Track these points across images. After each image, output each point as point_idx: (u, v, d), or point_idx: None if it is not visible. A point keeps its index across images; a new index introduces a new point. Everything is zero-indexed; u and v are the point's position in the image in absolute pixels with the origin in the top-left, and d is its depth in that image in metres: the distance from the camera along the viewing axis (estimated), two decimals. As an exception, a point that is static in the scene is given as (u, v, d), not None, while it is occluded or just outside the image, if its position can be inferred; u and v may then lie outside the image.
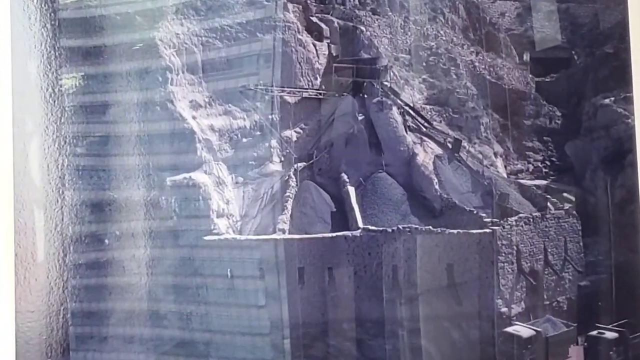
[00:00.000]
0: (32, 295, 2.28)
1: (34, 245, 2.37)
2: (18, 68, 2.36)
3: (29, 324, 2.31)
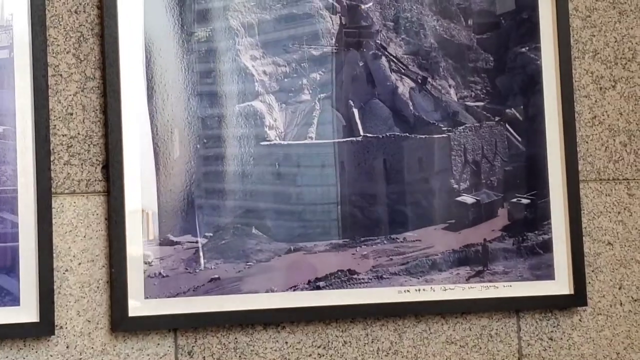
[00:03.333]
0: (170, 180, 2.32)
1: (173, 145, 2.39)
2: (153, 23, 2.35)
3: (169, 196, 2.36)
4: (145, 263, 2.12)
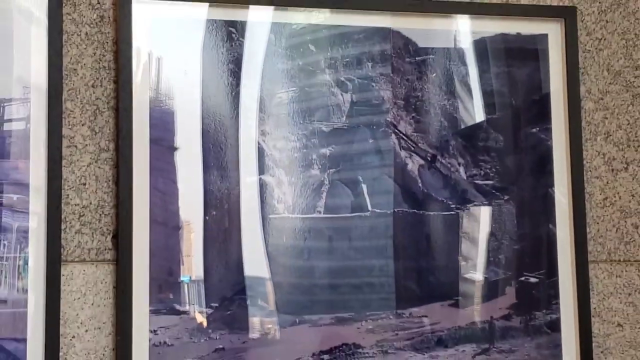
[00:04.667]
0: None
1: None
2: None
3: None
4: (151, 332, 2.13)
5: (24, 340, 2.07)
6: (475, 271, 2.40)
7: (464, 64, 2.45)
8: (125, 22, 2.18)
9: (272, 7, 2.30)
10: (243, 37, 2.28)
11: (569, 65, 2.44)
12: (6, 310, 2.08)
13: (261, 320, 2.22)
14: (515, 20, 2.45)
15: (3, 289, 2.09)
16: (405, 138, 2.40)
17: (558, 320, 2.37)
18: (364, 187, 2.35)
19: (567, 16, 2.45)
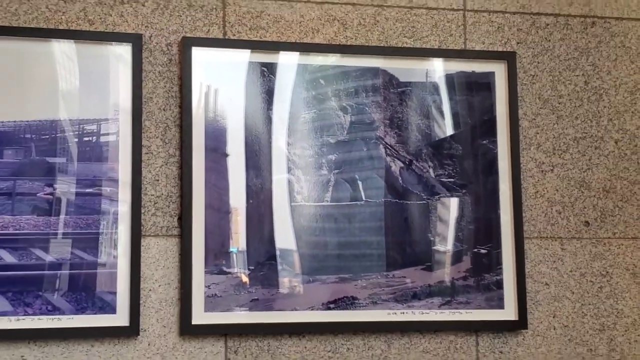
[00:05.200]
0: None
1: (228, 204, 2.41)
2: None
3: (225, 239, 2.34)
4: (206, 287, 2.23)
5: (115, 293, 2.18)
6: (443, 244, 2.42)
7: (438, 93, 2.47)
8: (187, 64, 2.28)
9: (297, 53, 2.39)
10: (274, 74, 2.36)
11: (510, 94, 2.50)
12: (104, 270, 2.18)
13: (285, 279, 2.31)
14: (471, 61, 2.51)
15: (103, 255, 2.20)
16: (390, 147, 2.44)
17: (501, 280, 2.43)
18: (360, 183, 2.40)
19: (509, 59, 2.52)
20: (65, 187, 2.21)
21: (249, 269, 2.30)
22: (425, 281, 2.41)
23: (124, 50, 2.27)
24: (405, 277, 2.40)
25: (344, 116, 2.43)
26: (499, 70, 2.54)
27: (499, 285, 2.45)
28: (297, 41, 2.43)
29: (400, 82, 2.48)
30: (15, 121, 2.20)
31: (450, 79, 2.51)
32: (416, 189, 2.47)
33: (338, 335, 2.34)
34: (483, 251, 2.46)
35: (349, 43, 2.47)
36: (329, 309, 2.34)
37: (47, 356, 2.16)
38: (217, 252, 2.27)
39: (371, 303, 2.36)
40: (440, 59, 2.51)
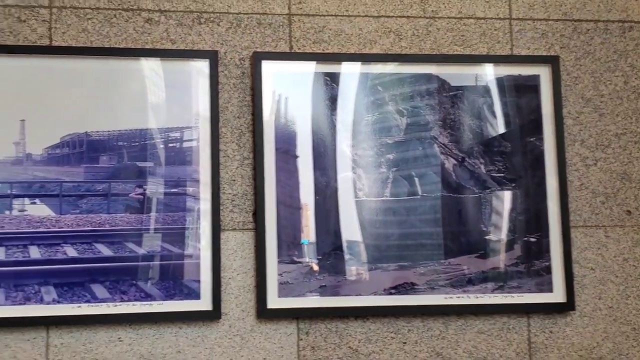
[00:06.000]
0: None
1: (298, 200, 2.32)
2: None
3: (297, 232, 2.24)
4: (279, 275, 2.27)
5: (199, 281, 2.23)
6: (495, 234, 2.41)
7: (489, 95, 2.46)
8: (257, 76, 2.33)
9: (358, 63, 2.42)
10: (337, 83, 2.38)
11: (555, 95, 2.49)
12: (190, 261, 2.24)
13: (350, 267, 2.33)
14: (518, 66, 2.50)
15: (188, 248, 2.25)
16: (443, 146, 2.44)
17: (550, 266, 2.41)
18: (416, 179, 2.40)
19: (553, 62, 2.50)
20: (154, 188, 2.27)
21: (317, 259, 2.32)
22: (479, 268, 2.40)
23: (203, 65, 2.32)
24: (460, 264, 2.40)
25: (400, 119, 2.44)
26: (544, 73, 2.52)
27: (548, 270, 2.43)
28: (357, 52, 2.45)
29: (452, 86, 2.47)
30: (109, 131, 2.28)
31: (500, 82, 2.49)
32: (469, 184, 2.46)
33: (399, 317, 2.35)
34: (532, 239, 2.44)
35: (404, 52, 2.48)
36: (391, 294, 2.35)
37: (141, 337, 2.23)
38: (290, 244, 2.30)
39: (429, 288, 2.36)
40: (489, 64, 2.50)
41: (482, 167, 2.48)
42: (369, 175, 2.40)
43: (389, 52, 2.47)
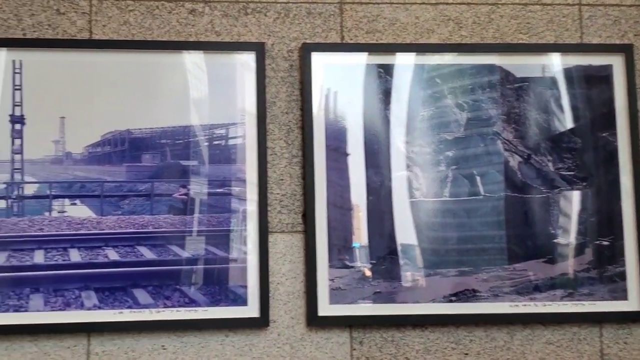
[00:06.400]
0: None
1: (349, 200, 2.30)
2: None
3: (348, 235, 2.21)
4: (330, 280, 2.17)
5: (246, 286, 2.15)
6: (564, 237, 2.29)
7: (556, 87, 2.35)
8: (307, 69, 2.23)
9: (413, 53, 2.30)
10: (391, 76, 2.27)
11: (629, 86, 2.36)
12: (235, 265, 2.15)
13: (406, 273, 2.22)
14: (588, 55, 2.37)
15: (233, 251, 2.17)
16: (507, 142, 2.33)
17: (624, 272, 2.28)
18: (478, 178, 2.29)
19: (627, 51, 2.36)
20: (198, 188, 2.19)
21: (370, 263, 2.22)
22: (547, 274, 2.27)
23: (249, 58, 2.23)
24: (526, 270, 2.27)
25: (460, 113, 2.32)
26: (616, 63, 2.39)
27: (622, 276, 2.29)
28: (413, 42, 2.32)
29: (517, 77, 2.34)
30: (152, 128, 2.20)
31: (568, 73, 2.36)
32: (535, 183, 2.33)
33: (460, 327, 2.23)
34: (605, 243, 2.31)
35: (464, 42, 2.34)
36: (451, 301, 2.23)
37: (185, 346, 2.14)
38: (341, 248, 2.20)
39: (492, 295, 2.24)
40: (557, 54, 2.37)
41: (550, 164, 2.35)
42: (426, 174, 2.29)
43: (448, 42, 2.34)
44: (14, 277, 2.11)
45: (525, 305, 2.25)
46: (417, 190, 2.27)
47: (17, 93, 2.16)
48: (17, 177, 2.15)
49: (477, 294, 2.24)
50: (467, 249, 2.26)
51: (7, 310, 2.09)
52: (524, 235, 2.29)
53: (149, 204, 2.18)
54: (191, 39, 2.25)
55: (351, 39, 2.31)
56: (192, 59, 2.23)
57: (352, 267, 2.21)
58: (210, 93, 2.22)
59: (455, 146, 2.31)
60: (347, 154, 2.26)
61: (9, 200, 2.14)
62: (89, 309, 2.11)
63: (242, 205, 2.19)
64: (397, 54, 2.31)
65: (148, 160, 2.20)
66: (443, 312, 2.22)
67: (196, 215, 2.18)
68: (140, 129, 2.20)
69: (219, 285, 2.16)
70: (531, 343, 2.26)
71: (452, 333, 2.23)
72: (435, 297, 2.23)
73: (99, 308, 2.12)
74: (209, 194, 2.19)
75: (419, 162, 2.29)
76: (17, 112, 2.16)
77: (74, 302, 2.11)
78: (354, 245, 2.22)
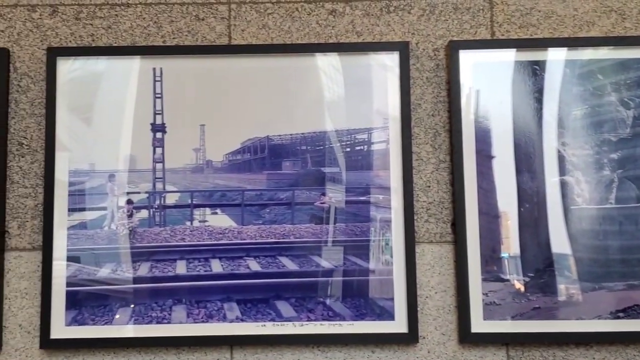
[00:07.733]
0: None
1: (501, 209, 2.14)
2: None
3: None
4: (483, 294, 2.01)
5: (392, 299, 2.02)
6: None
7: None
8: (454, 68, 2.08)
9: (565, 49, 2.11)
10: (544, 72, 2.09)
11: None
12: (375, 277, 2.04)
13: (566, 286, 2.03)
14: None
15: (372, 261, 2.05)
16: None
17: None
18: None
19: None
20: (338, 196, 2.07)
21: (528, 276, 2.03)
22: None
23: (390, 59, 2.10)
24: None
25: (626, 111, 2.09)
26: None
27: None
28: (572, 36, 2.12)
29: None
30: (291, 134, 2.10)
31: None
32: None
33: (629, 345, 2.02)
34: None
35: (628, 34, 2.11)
36: (618, 317, 2.01)
37: None
38: (488, 258, 2.04)
39: None
40: None
41: None
42: (589, 178, 2.07)
43: (610, 35, 2.12)
44: (157, 288, 2.03)
45: None
46: (579, 196, 2.07)
47: (158, 101, 2.10)
48: (159, 186, 2.07)
49: (647, 310, 1.97)
50: (636, 259, 2.04)
51: (150, 322, 2.01)
52: None
53: (290, 213, 2.08)
54: (331, 41, 2.14)
55: (502, 35, 2.14)
56: (331, 62, 2.12)
57: (506, 280, 2.03)
58: (349, 96, 2.10)
59: (621, 147, 2.08)
60: (491, 157, 2.09)
61: (151, 210, 2.07)
62: (232, 321, 2.03)
63: (385, 213, 2.07)
64: (549, 49, 2.11)
65: (288, 168, 2.10)
66: (610, 330, 2.02)
67: (337, 224, 2.07)
68: (279, 135, 2.10)
69: (363, 298, 2.04)
70: None
71: (620, 352, 2.03)
72: (601, 314, 2.02)
73: (242, 320, 2.03)
74: (349, 202, 2.07)
75: (580, 166, 2.08)
76: (158, 121, 2.09)
77: (216, 314, 2.04)
78: (502, 255, 2.05)
